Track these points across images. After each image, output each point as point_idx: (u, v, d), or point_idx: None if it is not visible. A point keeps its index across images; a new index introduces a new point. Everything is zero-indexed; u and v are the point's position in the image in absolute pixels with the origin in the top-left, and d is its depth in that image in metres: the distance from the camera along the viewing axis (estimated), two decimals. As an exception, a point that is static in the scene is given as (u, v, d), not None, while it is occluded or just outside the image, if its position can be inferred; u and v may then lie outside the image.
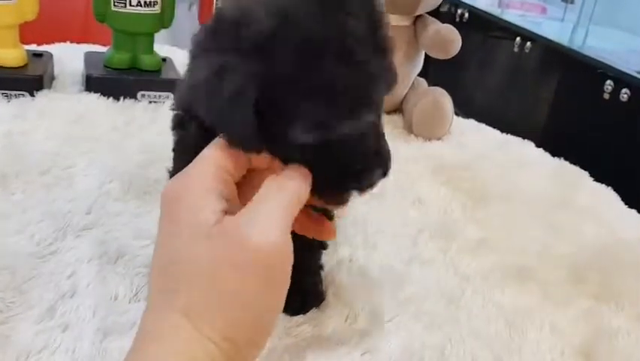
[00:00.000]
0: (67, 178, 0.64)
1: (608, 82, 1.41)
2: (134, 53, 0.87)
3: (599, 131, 1.43)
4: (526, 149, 0.91)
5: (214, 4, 0.85)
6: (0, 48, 0.80)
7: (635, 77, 1.39)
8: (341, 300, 0.52)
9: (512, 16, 1.96)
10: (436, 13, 0.93)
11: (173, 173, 0.46)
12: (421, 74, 0.97)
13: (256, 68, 0.33)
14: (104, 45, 0.91)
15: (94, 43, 1.00)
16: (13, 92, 0.79)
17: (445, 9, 2.07)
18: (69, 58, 0.93)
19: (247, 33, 0.34)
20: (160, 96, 0.85)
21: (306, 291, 0.51)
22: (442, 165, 0.79)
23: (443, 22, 0.89)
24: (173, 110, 0.46)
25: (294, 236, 0.34)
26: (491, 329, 0.51)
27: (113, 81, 0.84)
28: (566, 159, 0.87)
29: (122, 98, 0.83)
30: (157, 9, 0.84)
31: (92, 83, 0.84)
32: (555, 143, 0.92)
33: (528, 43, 1.70)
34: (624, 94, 1.38)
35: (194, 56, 0.38)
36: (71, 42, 1.02)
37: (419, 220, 0.67)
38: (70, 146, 0.70)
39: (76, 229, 0.56)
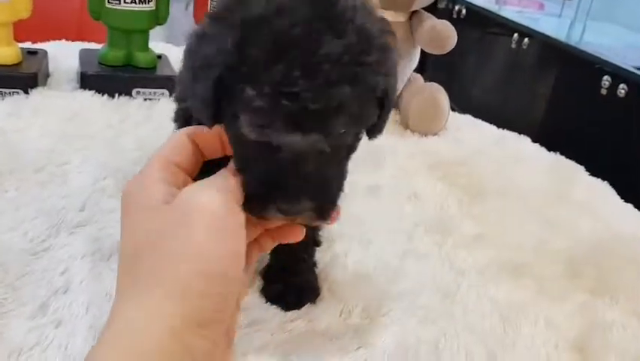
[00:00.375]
0: (61, 175, 0.64)
1: (606, 77, 1.41)
2: (129, 50, 0.86)
3: (597, 127, 1.43)
4: (522, 144, 0.91)
5: (209, 3, 0.84)
6: (-6, 46, 0.80)
7: (633, 73, 1.38)
8: (335, 295, 0.52)
9: (510, 12, 1.95)
10: (433, 10, 0.93)
11: None
12: (418, 70, 0.97)
13: (229, 45, 0.33)
14: (100, 43, 0.91)
15: (89, 41, 1.00)
16: (8, 90, 0.79)
17: (442, 5, 2.07)
18: (64, 55, 0.92)
19: (239, 14, 0.33)
20: (155, 93, 0.85)
21: (301, 287, 0.51)
22: (438, 161, 0.79)
23: (441, 19, 0.89)
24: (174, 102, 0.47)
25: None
26: (486, 323, 0.51)
27: (108, 78, 0.84)
28: (563, 153, 0.87)
29: (117, 96, 0.83)
30: (151, 6, 0.84)
31: (87, 81, 0.84)
32: (553, 138, 0.92)
33: (525, 40, 1.70)
34: (622, 89, 1.37)
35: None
36: (67, 40, 1.02)
37: (415, 215, 0.67)
38: (64, 143, 0.70)
39: (70, 226, 0.56)
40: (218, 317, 0.33)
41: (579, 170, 0.84)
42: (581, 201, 0.74)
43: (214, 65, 0.33)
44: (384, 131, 0.39)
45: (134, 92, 0.84)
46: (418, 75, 0.97)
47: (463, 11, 2.00)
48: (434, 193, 0.72)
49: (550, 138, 0.93)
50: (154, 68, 0.88)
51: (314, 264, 0.53)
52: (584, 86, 1.50)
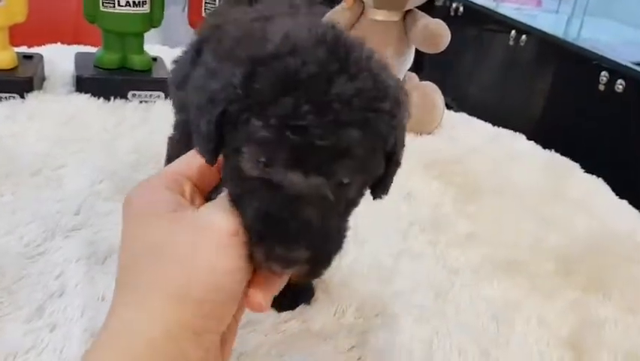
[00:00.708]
0: (57, 179, 0.64)
1: (604, 73, 1.40)
2: (124, 53, 0.87)
3: (595, 122, 1.43)
4: (517, 142, 0.91)
5: (202, 6, 0.84)
6: (-10, 50, 0.80)
7: (631, 68, 1.38)
8: (329, 295, 0.52)
9: (507, 9, 1.95)
10: (430, 8, 0.93)
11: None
12: (415, 69, 0.97)
13: (237, 79, 0.32)
14: (96, 46, 0.91)
15: (86, 44, 1.00)
16: (4, 94, 0.79)
17: (439, 3, 2.06)
18: (59, 59, 0.93)
19: (251, 50, 0.33)
20: (151, 96, 0.85)
21: (296, 288, 0.51)
22: (433, 160, 0.79)
23: (438, 17, 0.89)
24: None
25: None
26: (479, 322, 0.51)
27: (104, 81, 0.85)
28: (561, 149, 0.87)
29: (112, 99, 0.83)
30: (146, 9, 0.84)
31: (83, 84, 0.84)
32: (551, 134, 0.92)
33: (523, 37, 1.70)
34: (619, 85, 1.37)
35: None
36: (62, 43, 1.02)
37: (410, 214, 0.67)
38: (60, 147, 0.70)
39: (65, 230, 0.56)
40: (214, 327, 0.33)
41: (574, 167, 0.84)
42: (576, 199, 0.75)
43: (218, 100, 0.33)
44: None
45: (129, 94, 0.84)
46: (413, 74, 0.97)
47: (461, 9, 1.99)
48: (430, 192, 0.72)
49: (548, 134, 0.93)
50: (149, 70, 0.88)
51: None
52: (581, 82, 1.49)
